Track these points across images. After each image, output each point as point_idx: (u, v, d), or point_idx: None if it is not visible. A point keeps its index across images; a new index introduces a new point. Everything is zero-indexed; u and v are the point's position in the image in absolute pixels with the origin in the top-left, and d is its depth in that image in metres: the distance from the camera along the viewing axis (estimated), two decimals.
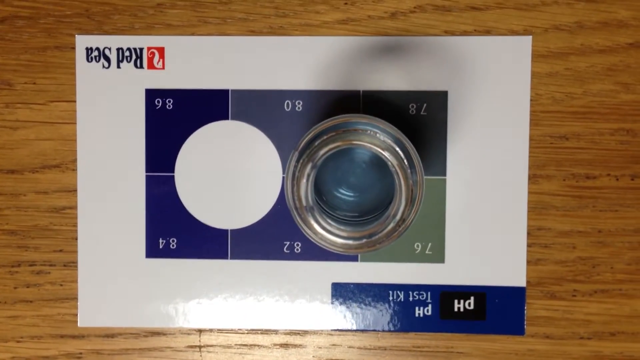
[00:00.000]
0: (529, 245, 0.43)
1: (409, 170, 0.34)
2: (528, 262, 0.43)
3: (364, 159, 0.40)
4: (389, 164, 0.34)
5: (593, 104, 0.42)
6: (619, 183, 0.42)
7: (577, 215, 0.43)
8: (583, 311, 0.43)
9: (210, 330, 0.44)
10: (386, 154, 0.34)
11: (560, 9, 0.42)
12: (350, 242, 0.35)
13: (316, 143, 0.34)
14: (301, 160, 0.35)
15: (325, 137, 0.35)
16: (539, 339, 0.43)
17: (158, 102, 0.43)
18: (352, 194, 0.40)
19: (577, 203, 0.43)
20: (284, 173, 0.43)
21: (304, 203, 0.35)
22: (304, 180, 0.34)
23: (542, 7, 0.42)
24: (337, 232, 0.35)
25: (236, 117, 0.43)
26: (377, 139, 0.34)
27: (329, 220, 0.35)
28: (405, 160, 0.34)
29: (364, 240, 0.35)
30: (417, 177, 0.35)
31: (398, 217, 0.34)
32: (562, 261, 0.43)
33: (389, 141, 0.34)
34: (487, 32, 0.42)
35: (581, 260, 0.43)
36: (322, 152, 0.34)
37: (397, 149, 0.34)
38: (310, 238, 0.36)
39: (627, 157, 0.42)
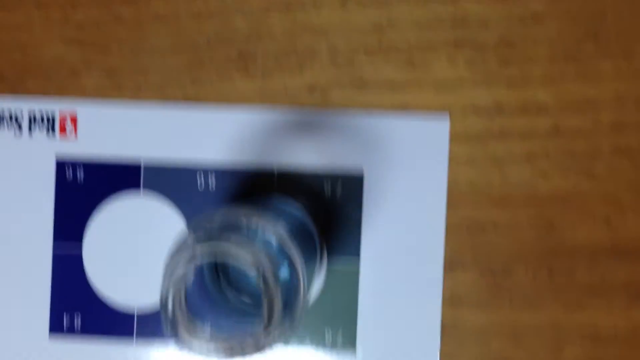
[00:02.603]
0: (443, 339, 0.44)
1: (274, 285, 0.35)
2: (442, 357, 0.44)
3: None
4: (255, 281, 0.35)
5: (511, 192, 0.44)
6: (535, 279, 0.44)
7: (493, 311, 0.44)
8: None
9: None
10: (248, 268, 0.35)
11: (479, 89, 0.44)
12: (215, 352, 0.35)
13: (177, 256, 0.35)
14: (166, 271, 0.35)
15: (192, 249, 0.35)
16: None
17: (69, 173, 0.47)
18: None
19: (494, 298, 0.44)
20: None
21: (168, 314, 0.35)
22: (170, 291, 0.35)
23: (461, 86, 0.44)
24: (198, 342, 0.35)
25: (148, 190, 0.46)
26: (246, 251, 0.35)
27: (197, 331, 0.35)
28: (269, 274, 0.34)
29: (230, 353, 0.35)
30: (298, 282, 0.35)
31: (261, 328, 0.35)
32: (477, 358, 0.44)
33: (259, 250, 0.35)
34: (405, 107, 0.44)
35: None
36: (179, 269, 0.35)
37: (264, 259, 0.35)
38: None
39: (545, 250, 0.44)
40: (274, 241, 0.35)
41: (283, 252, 0.36)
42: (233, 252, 0.34)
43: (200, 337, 0.35)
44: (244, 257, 0.34)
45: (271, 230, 0.36)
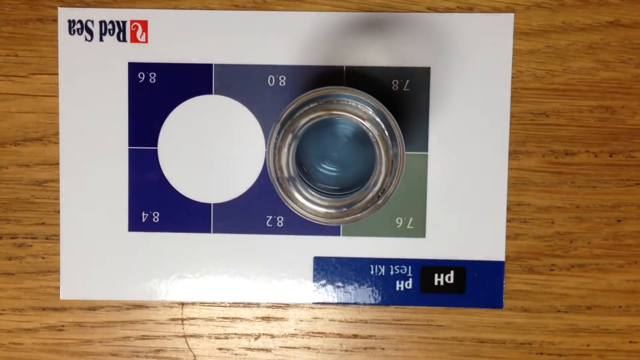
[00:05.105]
0: (508, 221, 0.49)
1: (389, 141, 0.40)
2: (507, 237, 0.49)
3: (346, 133, 0.46)
4: (370, 134, 0.39)
5: (573, 82, 0.48)
6: (597, 159, 0.49)
7: (556, 191, 0.49)
8: (560, 285, 0.49)
9: (193, 304, 0.50)
10: (367, 124, 0.39)
11: None
12: (330, 210, 0.41)
13: (297, 114, 0.40)
14: (282, 131, 0.40)
15: (306, 107, 0.40)
16: (517, 312, 0.50)
17: (141, 76, 0.49)
18: (334, 169, 0.46)
19: (556, 179, 0.49)
20: (266, 147, 0.49)
21: (285, 174, 0.40)
22: (285, 150, 0.40)
23: None
24: (318, 201, 0.41)
25: (219, 92, 0.49)
26: (358, 110, 0.40)
27: (310, 191, 0.41)
28: (386, 131, 0.40)
29: (344, 209, 0.40)
30: (398, 149, 0.40)
31: (378, 187, 0.40)
32: (540, 236, 0.49)
33: (371, 112, 0.40)
34: (470, 9, 0.48)
35: (559, 235, 0.49)
36: (303, 122, 0.39)
37: (378, 120, 0.40)
38: (291, 208, 0.41)
39: (605, 134, 0.48)
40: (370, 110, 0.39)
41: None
42: (349, 111, 0.38)
43: (318, 198, 0.39)
44: (359, 116, 0.38)
45: (367, 102, 0.40)
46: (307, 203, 0.38)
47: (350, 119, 0.37)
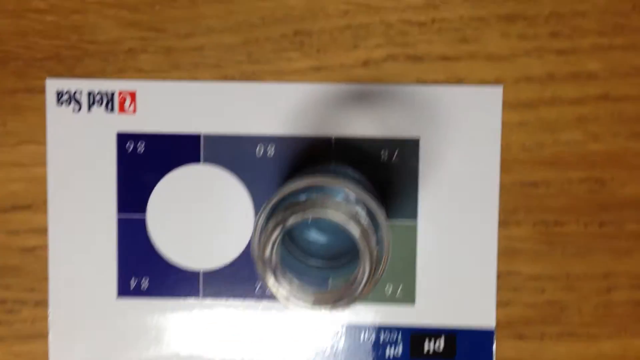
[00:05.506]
0: (498, 288, 0.49)
1: (372, 239, 0.40)
2: (498, 305, 0.49)
3: None
4: (352, 235, 0.40)
5: (563, 153, 0.49)
6: (587, 230, 0.49)
7: (546, 260, 0.49)
8: (551, 351, 0.50)
9: None
10: (349, 226, 0.40)
11: (531, 60, 0.48)
12: (317, 305, 0.41)
13: (282, 207, 0.40)
14: (267, 227, 0.40)
15: (288, 204, 0.40)
16: None
17: (129, 146, 0.49)
18: (323, 237, 0.46)
19: (546, 248, 0.49)
20: (255, 215, 0.50)
21: (269, 270, 0.41)
22: (269, 248, 0.40)
23: (513, 58, 0.48)
24: (303, 296, 0.41)
25: (208, 161, 0.49)
26: (340, 209, 0.40)
27: (295, 280, 0.41)
28: (368, 230, 0.40)
29: (330, 305, 0.41)
30: (383, 234, 0.41)
31: (363, 284, 0.41)
32: (531, 304, 0.50)
33: (352, 209, 0.40)
34: (459, 82, 0.48)
35: (549, 304, 0.50)
36: (286, 224, 0.40)
37: (361, 217, 0.40)
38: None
39: (595, 205, 0.49)
40: (354, 199, 0.40)
41: (366, 209, 0.40)
42: (330, 212, 0.39)
43: (302, 291, 0.40)
44: (340, 215, 0.39)
45: (352, 189, 0.40)
46: (292, 301, 0.39)
47: (333, 220, 0.38)
